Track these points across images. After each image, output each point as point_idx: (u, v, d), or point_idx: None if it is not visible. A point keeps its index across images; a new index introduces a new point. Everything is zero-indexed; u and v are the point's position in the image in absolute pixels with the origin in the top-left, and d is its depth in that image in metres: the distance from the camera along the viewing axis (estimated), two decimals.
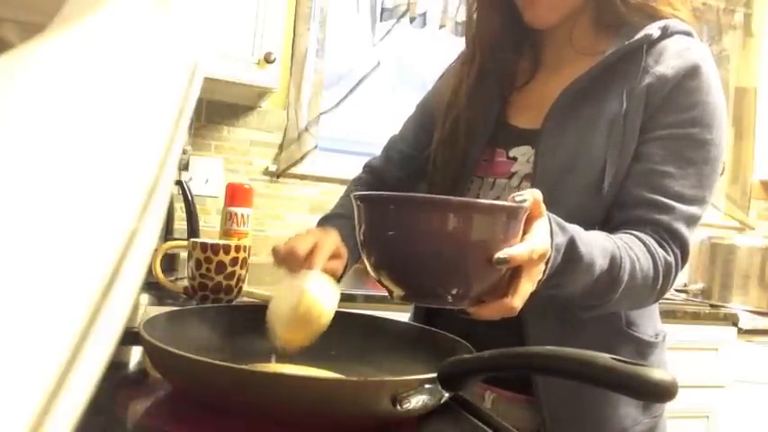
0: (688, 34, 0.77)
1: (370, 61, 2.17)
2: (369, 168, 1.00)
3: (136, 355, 0.65)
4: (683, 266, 0.74)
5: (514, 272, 0.56)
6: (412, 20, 2.18)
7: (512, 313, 0.56)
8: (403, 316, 0.88)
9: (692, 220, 0.73)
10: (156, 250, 0.93)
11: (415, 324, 0.74)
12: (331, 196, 2.09)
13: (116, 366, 0.62)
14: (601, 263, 0.64)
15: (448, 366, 0.50)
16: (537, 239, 0.56)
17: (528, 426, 0.77)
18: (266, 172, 2.10)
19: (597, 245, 0.64)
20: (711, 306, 1.94)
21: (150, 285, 1.03)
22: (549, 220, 0.60)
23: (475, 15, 0.86)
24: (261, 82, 1.75)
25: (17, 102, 0.14)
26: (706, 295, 2.03)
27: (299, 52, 2.08)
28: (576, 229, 0.63)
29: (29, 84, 0.14)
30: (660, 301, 0.78)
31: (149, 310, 0.81)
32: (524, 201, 0.56)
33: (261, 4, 1.74)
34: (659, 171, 0.72)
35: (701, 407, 1.79)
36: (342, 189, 1.01)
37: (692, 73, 0.73)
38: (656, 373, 0.41)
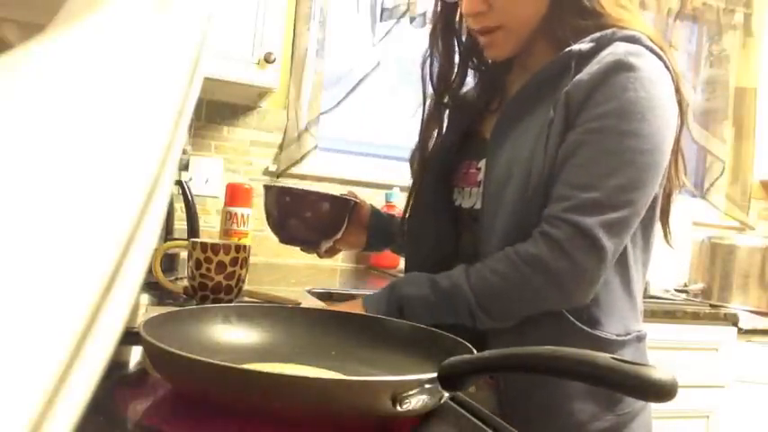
0: (631, 39, 0.78)
1: (370, 61, 2.17)
2: None
3: (136, 355, 0.65)
4: (589, 251, 0.74)
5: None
6: (412, 20, 2.17)
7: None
8: None
9: (595, 206, 0.74)
10: (156, 250, 0.93)
11: (416, 324, 0.74)
12: None
13: (116, 366, 0.62)
14: (431, 294, 0.83)
15: (448, 366, 0.50)
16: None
17: (488, 407, 0.80)
18: (266, 172, 2.10)
19: (423, 286, 0.85)
20: (711, 306, 1.94)
21: (150, 285, 1.03)
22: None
23: (427, 64, 0.95)
24: (261, 82, 1.75)
25: (17, 101, 0.14)
26: (706, 295, 2.03)
27: (298, 52, 2.08)
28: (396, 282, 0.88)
29: (28, 83, 0.14)
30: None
31: (149, 310, 0.81)
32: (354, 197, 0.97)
33: (261, 4, 1.74)
34: (568, 165, 0.76)
35: (701, 407, 1.79)
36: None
37: (607, 74, 0.75)
38: (656, 372, 0.41)
